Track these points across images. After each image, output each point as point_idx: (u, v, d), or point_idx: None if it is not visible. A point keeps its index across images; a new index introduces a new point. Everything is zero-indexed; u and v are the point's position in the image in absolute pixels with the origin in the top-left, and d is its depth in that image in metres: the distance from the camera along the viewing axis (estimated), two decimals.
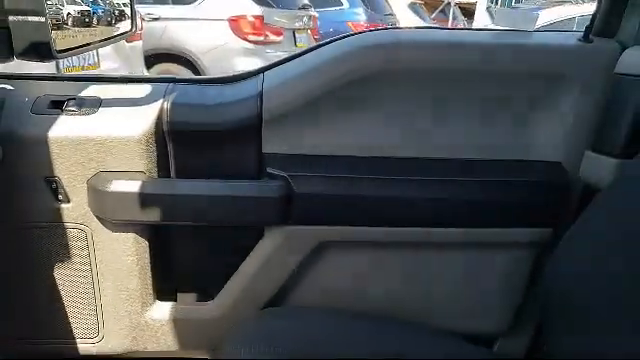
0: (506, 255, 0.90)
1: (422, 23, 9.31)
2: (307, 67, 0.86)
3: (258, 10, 4.80)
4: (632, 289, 0.61)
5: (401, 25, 8.50)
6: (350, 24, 7.52)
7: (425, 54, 0.85)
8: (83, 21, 1.20)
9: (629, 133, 0.78)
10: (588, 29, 0.85)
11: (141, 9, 4.32)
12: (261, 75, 0.89)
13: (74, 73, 0.93)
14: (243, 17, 4.85)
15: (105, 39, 1.22)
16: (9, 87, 0.83)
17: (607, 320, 0.63)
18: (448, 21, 10.72)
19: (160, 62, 4.85)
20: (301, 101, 0.84)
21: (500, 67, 0.85)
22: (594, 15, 0.86)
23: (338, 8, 7.77)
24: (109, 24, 1.34)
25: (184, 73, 4.90)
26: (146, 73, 4.60)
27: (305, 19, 5.60)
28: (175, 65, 4.87)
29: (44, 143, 0.80)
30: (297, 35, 5.39)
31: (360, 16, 7.66)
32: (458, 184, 0.86)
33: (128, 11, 1.26)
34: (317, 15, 6.01)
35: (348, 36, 0.90)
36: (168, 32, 4.72)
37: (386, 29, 0.98)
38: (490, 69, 0.85)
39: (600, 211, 0.70)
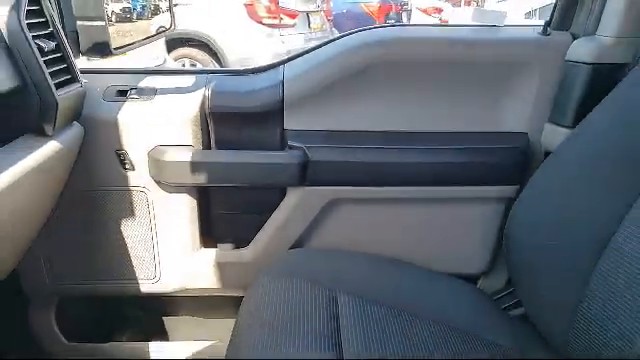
0: (482, 207, 1.09)
1: (435, 0, 9.35)
2: (321, 60, 1.04)
3: None
4: (571, 227, 0.81)
5: (414, 5, 8.57)
6: (363, 5, 7.63)
7: (418, 48, 1.03)
8: (124, 17, 1.40)
9: (576, 108, 0.98)
10: (547, 23, 1.03)
11: None
12: (282, 66, 1.08)
13: (132, 67, 1.13)
14: (258, 1, 4.96)
15: (150, 36, 1.43)
16: (85, 80, 1.05)
17: (552, 252, 0.83)
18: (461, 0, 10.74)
19: (179, 46, 5.02)
20: (316, 88, 1.03)
21: (476, 57, 1.03)
22: (552, 11, 1.05)
23: None
24: (147, 18, 1.54)
25: (202, 57, 5.07)
26: (167, 57, 4.77)
27: (319, 1, 5.68)
28: (193, 49, 5.02)
29: (114, 124, 1.01)
30: (311, 17, 5.49)
31: None
32: (443, 151, 1.05)
33: (163, 6, 1.45)
34: None
35: (355, 32, 1.09)
36: (186, 17, 4.84)
37: (390, 26, 1.16)
38: (468, 59, 1.03)
39: (550, 169, 0.90)
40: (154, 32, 1.46)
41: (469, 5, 10.55)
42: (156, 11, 1.48)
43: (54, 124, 0.86)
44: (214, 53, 5.03)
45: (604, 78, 0.92)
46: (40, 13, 0.87)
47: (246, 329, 0.82)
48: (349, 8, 7.59)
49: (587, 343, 0.74)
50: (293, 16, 5.14)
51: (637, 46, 0.88)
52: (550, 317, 0.83)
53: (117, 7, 1.29)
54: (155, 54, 3.94)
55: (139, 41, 1.36)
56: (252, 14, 4.94)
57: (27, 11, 0.82)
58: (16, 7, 0.80)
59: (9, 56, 0.79)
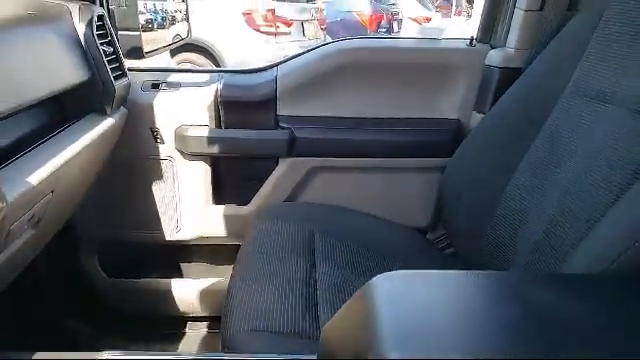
0: (424, 174, 1.42)
1: (425, 10, 9.69)
2: (306, 62, 1.38)
3: (270, 4, 5.23)
4: (480, 179, 1.15)
5: (404, 13, 8.93)
6: (356, 14, 7.99)
7: (376, 54, 1.39)
8: (147, 27, 1.73)
9: (491, 100, 1.32)
10: (472, 38, 1.39)
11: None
12: (276, 67, 1.41)
13: (160, 66, 1.47)
14: (256, 10, 5.26)
15: (171, 44, 1.76)
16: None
17: (468, 199, 1.17)
18: (451, 7, 11.10)
19: (181, 52, 5.29)
20: (301, 84, 1.36)
21: (420, 61, 1.38)
22: (478, 27, 1.40)
23: None
24: (166, 28, 1.86)
25: (202, 61, 5.35)
26: (170, 61, 5.05)
27: (312, 11, 6.01)
28: (195, 54, 5.28)
29: (150, 108, 1.35)
30: (305, 26, 5.81)
31: (365, 6, 8.07)
32: (395, 132, 1.39)
33: (179, 16, 1.77)
34: (324, 7, 6.42)
35: (332, 42, 1.44)
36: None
37: (358, 38, 1.49)
38: (414, 62, 1.38)
39: (467, 144, 1.25)
40: (171, 40, 1.79)
41: (459, 15, 10.90)
42: (173, 22, 1.81)
43: (112, 106, 1.20)
44: (214, 58, 5.33)
45: (508, 78, 1.25)
46: (103, 27, 1.21)
47: (246, 253, 1.13)
48: (343, 17, 7.91)
49: (493, 259, 1.06)
50: (288, 25, 5.47)
51: (527, 55, 1.23)
52: (468, 246, 1.17)
53: (141, 19, 1.61)
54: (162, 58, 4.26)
55: (162, 47, 1.69)
56: (250, 22, 5.23)
57: (96, 26, 1.16)
58: (89, 24, 1.13)
59: (84, 56, 1.13)
